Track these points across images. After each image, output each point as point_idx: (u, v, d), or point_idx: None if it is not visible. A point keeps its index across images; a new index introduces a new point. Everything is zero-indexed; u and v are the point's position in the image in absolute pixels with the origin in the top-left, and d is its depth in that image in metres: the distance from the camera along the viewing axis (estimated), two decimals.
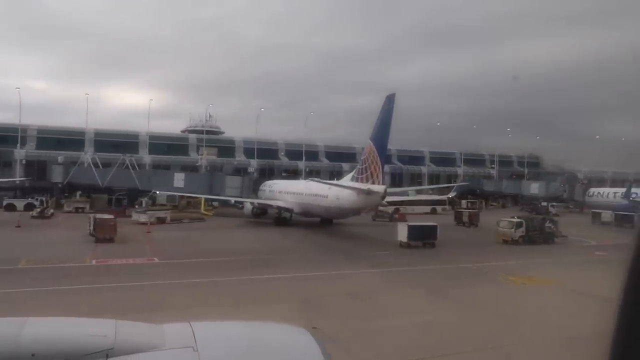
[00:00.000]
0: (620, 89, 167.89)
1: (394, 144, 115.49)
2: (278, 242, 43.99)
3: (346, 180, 52.63)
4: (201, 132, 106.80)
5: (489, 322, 19.80)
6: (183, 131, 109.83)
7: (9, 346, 3.47)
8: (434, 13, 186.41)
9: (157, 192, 67.50)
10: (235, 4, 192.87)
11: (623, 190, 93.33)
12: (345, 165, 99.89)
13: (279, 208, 57.83)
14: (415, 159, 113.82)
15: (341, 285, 26.32)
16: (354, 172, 51.48)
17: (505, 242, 45.43)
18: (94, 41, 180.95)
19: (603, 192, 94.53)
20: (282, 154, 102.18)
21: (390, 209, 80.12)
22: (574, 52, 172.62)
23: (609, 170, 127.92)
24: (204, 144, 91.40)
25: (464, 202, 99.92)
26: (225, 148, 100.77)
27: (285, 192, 59.81)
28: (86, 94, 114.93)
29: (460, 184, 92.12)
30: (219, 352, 3.77)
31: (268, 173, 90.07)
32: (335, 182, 56.97)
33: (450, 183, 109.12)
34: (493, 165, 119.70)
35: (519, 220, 46.40)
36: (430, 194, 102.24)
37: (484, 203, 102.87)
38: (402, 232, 41.52)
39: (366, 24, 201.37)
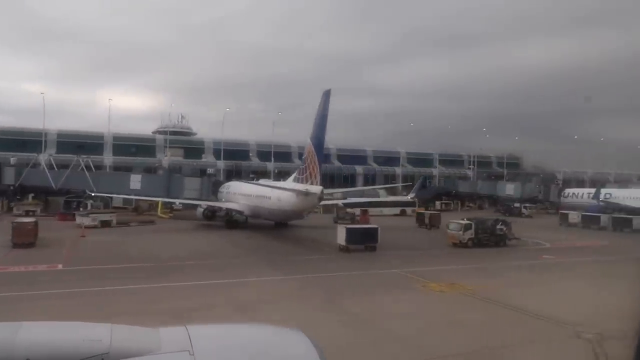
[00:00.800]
0: (606, 91, 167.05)
1: (371, 145, 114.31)
2: (213, 245, 41.99)
3: (289, 181, 50.75)
4: (172, 133, 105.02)
5: (358, 338, 17.93)
6: (154, 132, 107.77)
7: (3, 351, 3.39)
8: (430, 18, 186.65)
9: (109, 195, 64.97)
10: (233, 8, 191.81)
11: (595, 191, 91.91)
12: (358, 168, 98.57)
13: (229, 210, 55.89)
14: (391, 159, 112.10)
15: (239, 294, 24.40)
16: (296, 172, 49.63)
17: (455, 245, 43.67)
18: (91, 45, 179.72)
19: (577, 193, 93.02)
20: (252, 154, 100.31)
21: (357, 210, 78.68)
22: (568, 54, 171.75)
23: (589, 170, 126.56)
24: (168, 145, 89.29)
25: (438, 203, 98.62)
26: (195, 149, 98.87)
27: (239, 194, 57.85)
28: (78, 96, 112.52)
29: (401, 184, 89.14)
30: (215, 356, 3.68)
31: (235, 174, 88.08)
32: (269, 183, 55.26)
33: (428, 183, 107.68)
34: (471, 166, 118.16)
35: (467, 222, 44.56)
36: (405, 194, 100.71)
37: (459, 204, 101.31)
38: (341, 235, 39.65)
39: (365, 28, 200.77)
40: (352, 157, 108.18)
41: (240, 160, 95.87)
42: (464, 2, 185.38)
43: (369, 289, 26.35)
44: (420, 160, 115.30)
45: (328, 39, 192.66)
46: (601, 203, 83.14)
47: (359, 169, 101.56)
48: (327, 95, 42.17)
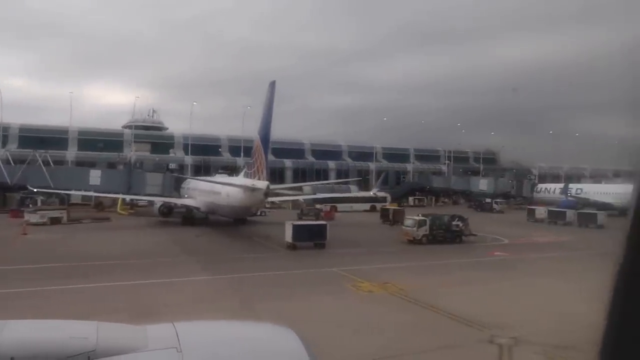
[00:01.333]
0: (585, 87, 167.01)
1: (348, 140, 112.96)
2: (156, 244, 40.27)
3: (240, 176, 49.28)
4: (142, 127, 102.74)
5: None
6: (124, 127, 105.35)
7: None
8: (417, 14, 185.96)
9: (65, 192, 62.91)
10: (219, 4, 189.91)
11: (569, 186, 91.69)
12: (287, 162, 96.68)
13: (187, 207, 54.29)
14: (366, 155, 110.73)
15: (148, 297, 22.89)
16: (246, 167, 48.24)
17: (410, 241, 42.59)
18: (75, 40, 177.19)
19: (550, 188, 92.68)
20: (223, 149, 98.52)
21: (326, 206, 77.45)
22: (551, 51, 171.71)
23: (565, 165, 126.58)
24: (133, 140, 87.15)
25: (411, 199, 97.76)
26: (164, 144, 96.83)
27: (197, 190, 56.27)
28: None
29: (354, 179, 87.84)
30: (203, 353, 3.63)
31: (204, 169, 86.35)
32: (223, 179, 53.76)
33: (402, 179, 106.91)
34: (447, 162, 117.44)
35: (421, 218, 43.48)
36: (379, 190, 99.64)
37: (433, 200, 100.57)
38: (288, 233, 38.34)
39: (351, 25, 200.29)
40: (326, 153, 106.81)
41: (211, 155, 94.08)
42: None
43: (294, 290, 25.04)
44: (396, 155, 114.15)
45: (314, 34, 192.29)
46: (570, 198, 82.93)
47: (332, 164, 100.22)
48: (272, 86, 40.75)
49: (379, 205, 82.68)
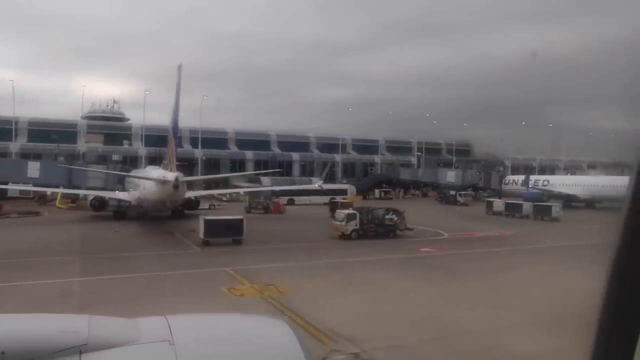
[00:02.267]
0: (566, 81, 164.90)
1: (315, 131, 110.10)
2: (62, 241, 37.44)
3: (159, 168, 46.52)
4: (101, 118, 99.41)
5: None
6: (83, 117, 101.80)
7: None
8: (412, 7, 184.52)
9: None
10: None
11: (536, 178, 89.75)
12: (249, 154, 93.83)
13: (118, 200, 51.46)
14: (334, 146, 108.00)
15: None
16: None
17: (341, 236, 40.10)
18: (70, 32, 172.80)
19: (517, 180, 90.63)
20: (185, 141, 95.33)
21: (281, 199, 74.88)
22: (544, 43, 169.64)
23: (539, 157, 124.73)
24: (85, 131, 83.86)
25: (377, 191, 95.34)
26: (122, 135, 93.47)
27: (132, 183, 53.43)
28: None
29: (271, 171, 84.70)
30: (195, 345, 3.57)
31: (159, 161, 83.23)
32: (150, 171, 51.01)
33: (368, 172, 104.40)
34: (419, 153, 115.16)
35: (350, 212, 40.99)
36: (345, 182, 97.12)
37: (401, 192, 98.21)
38: (201, 228, 35.70)
39: (347, 18, 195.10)
40: (293, 144, 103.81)
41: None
42: None
43: (162, 292, 22.40)
44: (367, 147, 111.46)
45: (310, 28, 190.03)
46: (534, 190, 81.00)
47: (295, 155, 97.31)
48: (180, 71, 37.97)
49: (339, 198, 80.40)
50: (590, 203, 78.78)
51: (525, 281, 25.56)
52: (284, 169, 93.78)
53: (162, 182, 37.56)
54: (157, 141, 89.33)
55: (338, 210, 42.13)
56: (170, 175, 37.52)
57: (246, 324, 4.49)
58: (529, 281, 25.50)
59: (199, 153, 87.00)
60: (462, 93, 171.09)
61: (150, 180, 39.38)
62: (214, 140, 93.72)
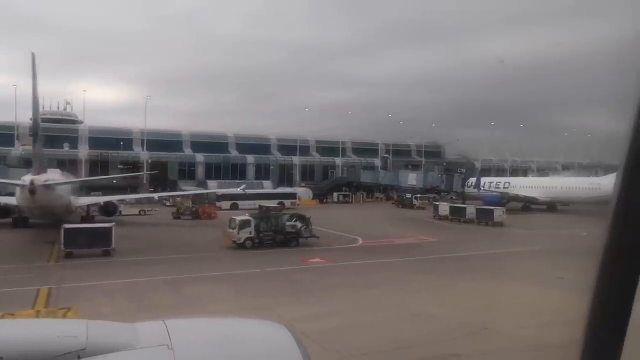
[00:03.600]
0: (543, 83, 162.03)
1: (277, 134, 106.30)
2: None
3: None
4: (52, 121, 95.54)
5: None
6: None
7: None
8: (407, 10, 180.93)
9: None
10: (209, 0, 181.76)
11: (498, 180, 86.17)
12: (199, 156, 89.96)
13: (18, 207, 47.55)
14: (294, 149, 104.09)
15: None
16: None
17: (237, 245, 36.27)
18: (62, 36, 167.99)
19: (481, 183, 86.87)
20: (136, 145, 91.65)
21: (224, 204, 71.18)
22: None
23: (510, 159, 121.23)
24: (18, 134, 79.90)
25: (336, 195, 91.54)
26: (69, 139, 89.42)
27: None
28: None
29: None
30: (194, 350, 3.57)
31: (101, 165, 79.65)
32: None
33: (329, 175, 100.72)
34: (385, 155, 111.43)
35: (244, 219, 37.13)
36: (304, 186, 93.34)
37: (363, 195, 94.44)
38: (61, 238, 31.85)
39: (342, 21, 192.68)
40: (253, 147, 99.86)
41: (123, 150, 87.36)
42: None
43: None
44: (332, 149, 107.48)
45: (305, 30, 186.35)
46: (490, 193, 77.52)
47: (251, 158, 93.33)
48: (33, 59, 34.14)
49: (288, 202, 76.68)
50: (552, 206, 75.12)
51: (380, 302, 21.77)
52: (237, 172, 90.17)
53: (22, 187, 33.73)
54: (107, 144, 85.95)
55: (232, 217, 38.20)
56: (28, 179, 33.59)
57: (246, 328, 4.41)
58: (384, 301, 21.72)
59: (145, 156, 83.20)
60: (449, 96, 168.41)
61: (18, 186, 35.52)
62: (166, 143, 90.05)
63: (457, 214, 58.23)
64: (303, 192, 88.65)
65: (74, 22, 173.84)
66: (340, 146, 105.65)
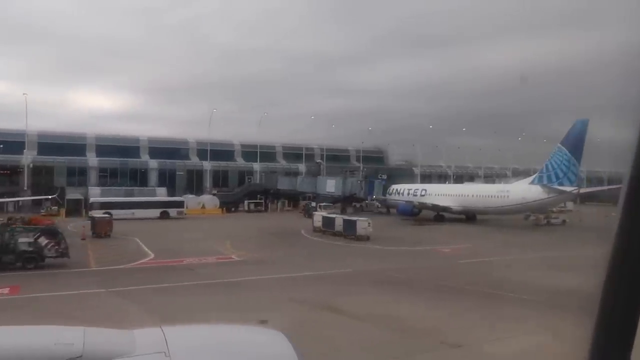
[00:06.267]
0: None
1: (201, 137, 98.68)
2: None
3: None
4: None
5: None
6: None
7: None
8: (403, 19, 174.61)
9: None
10: (206, 8, 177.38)
11: (415, 187, 78.38)
12: (93, 160, 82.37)
13: None
14: (223, 153, 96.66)
15: None
16: None
17: None
18: (60, 44, 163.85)
19: (400, 189, 79.14)
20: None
21: (95, 212, 63.58)
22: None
23: (453, 165, 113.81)
24: None
25: (247, 203, 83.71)
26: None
27: None
28: None
29: None
30: (191, 357, 3.66)
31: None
32: None
33: (247, 180, 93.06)
34: (319, 161, 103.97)
35: None
36: (214, 194, 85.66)
37: (279, 204, 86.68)
38: None
39: (338, 30, 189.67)
40: (170, 151, 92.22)
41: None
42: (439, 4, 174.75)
43: None
44: (262, 153, 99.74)
45: (301, 39, 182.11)
46: (401, 200, 70.53)
47: (154, 163, 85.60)
48: None
49: (174, 211, 69.05)
50: (471, 215, 67.33)
51: None
52: (137, 177, 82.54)
53: None
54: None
55: None
56: None
57: (243, 334, 4.37)
58: None
59: (27, 160, 75.42)
60: (470, 103, 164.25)
61: None
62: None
63: (328, 226, 50.48)
64: (208, 199, 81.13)
65: (71, 32, 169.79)
66: (274, 150, 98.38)
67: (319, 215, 53.46)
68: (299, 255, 36.91)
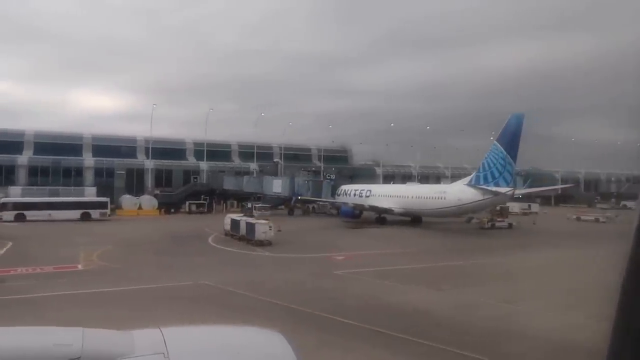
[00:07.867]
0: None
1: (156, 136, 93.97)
2: None
3: None
4: None
5: None
6: None
7: None
8: (403, 21, 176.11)
9: None
10: (207, 10, 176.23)
11: (361, 188, 73.72)
12: (22, 158, 77.73)
13: None
14: (174, 152, 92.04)
15: None
16: None
17: None
18: (62, 44, 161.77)
19: (348, 191, 74.65)
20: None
21: (4, 214, 59.15)
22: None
23: (418, 165, 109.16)
24: None
25: (188, 204, 78.98)
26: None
27: None
28: None
29: None
30: (190, 358, 3.57)
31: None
32: None
33: (193, 180, 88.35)
34: (276, 160, 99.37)
35: None
36: (156, 194, 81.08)
37: (227, 205, 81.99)
38: None
39: (339, 31, 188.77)
40: (115, 149, 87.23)
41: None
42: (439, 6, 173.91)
43: None
44: (215, 152, 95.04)
45: (301, 40, 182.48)
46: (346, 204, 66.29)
47: (90, 161, 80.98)
48: None
49: (96, 213, 64.37)
50: (417, 218, 62.67)
51: None
52: (71, 176, 77.96)
53: None
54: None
55: None
56: None
57: (242, 335, 4.30)
58: None
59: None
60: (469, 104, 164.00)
61: None
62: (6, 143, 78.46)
63: (235, 229, 45.93)
64: (147, 200, 76.56)
65: (73, 32, 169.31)
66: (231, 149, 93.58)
67: (228, 218, 48.83)
68: (163, 265, 32.16)
